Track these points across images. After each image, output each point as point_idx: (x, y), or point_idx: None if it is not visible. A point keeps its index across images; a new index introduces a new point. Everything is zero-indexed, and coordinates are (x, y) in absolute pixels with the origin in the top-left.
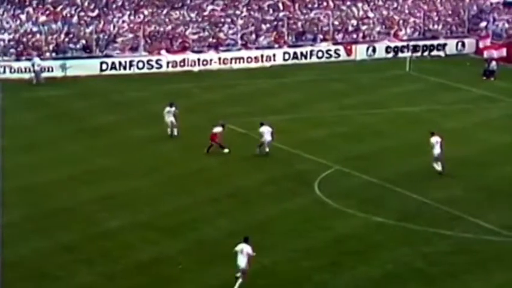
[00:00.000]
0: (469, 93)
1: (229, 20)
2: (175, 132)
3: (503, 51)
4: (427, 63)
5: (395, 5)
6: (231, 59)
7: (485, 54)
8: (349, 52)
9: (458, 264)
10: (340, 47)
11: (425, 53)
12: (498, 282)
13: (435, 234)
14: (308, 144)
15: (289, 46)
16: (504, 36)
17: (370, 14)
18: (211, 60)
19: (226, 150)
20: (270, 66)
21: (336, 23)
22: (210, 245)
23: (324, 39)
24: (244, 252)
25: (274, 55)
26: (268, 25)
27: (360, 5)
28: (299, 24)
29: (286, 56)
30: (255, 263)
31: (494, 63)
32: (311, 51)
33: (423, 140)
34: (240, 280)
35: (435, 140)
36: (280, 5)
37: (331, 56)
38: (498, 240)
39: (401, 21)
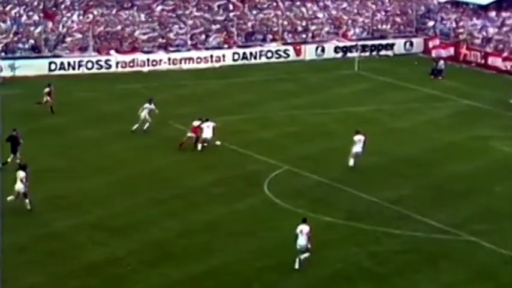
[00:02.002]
0: (417, 92)
1: (178, 20)
2: (135, 127)
3: (451, 50)
4: (375, 62)
5: (344, 5)
6: (181, 59)
7: (433, 53)
8: (298, 52)
9: (407, 263)
10: (290, 47)
11: (374, 53)
12: (447, 281)
13: (384, 233)
14: (258, 145)
15: (239, 46)
16: (452, 36)
17: (319, 14)
18: (160, 60)
19: (218, 143)
20: (219, 66)
21: (285, 23)
22: (158, 245)
23: (274, 40)
24: (304, 232)
25: (223, 55)
26: (217, 25)
27: (309, 5)
28: (249, 24)
29: (236, 57)
30: (204, 264)
31: (442, 62)
32: (260, 52)
33: (372, 140)
34: (306, 254)
35: (358, 138)
36: (229, 5)
37: (280, 56)
38: (447, 238)
39: (349, 21)
